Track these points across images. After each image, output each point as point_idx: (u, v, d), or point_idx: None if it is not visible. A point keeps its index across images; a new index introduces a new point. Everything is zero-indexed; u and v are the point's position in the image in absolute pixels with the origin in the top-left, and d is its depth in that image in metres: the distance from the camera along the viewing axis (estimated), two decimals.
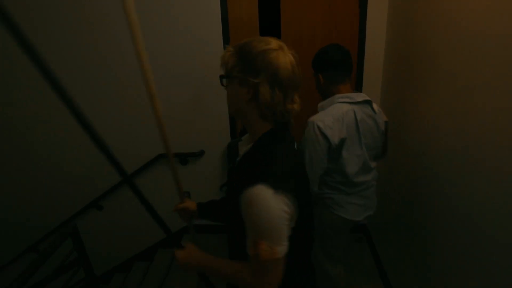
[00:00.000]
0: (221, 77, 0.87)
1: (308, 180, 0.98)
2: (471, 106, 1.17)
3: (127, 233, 2.62)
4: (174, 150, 1.01)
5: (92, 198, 2.48)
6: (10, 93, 2.29)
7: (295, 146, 0.94)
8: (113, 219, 2.58)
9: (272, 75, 0.79)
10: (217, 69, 0.92)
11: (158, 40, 2.12)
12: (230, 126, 2.32)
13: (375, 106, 1.48)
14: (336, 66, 1.42)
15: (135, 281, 2.47)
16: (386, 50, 2.15)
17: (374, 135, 1.49)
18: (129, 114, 2.29)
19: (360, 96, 1.42)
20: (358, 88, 2.26)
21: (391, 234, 2.07)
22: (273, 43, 0.82)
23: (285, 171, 0.79)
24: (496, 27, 1.01)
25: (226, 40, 2.12)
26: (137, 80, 2.19)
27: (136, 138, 2.33)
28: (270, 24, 2.15)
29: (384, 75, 2.20)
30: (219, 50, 2.12)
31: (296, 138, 0.99)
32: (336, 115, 1.35)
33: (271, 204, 0.73)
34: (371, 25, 2.11)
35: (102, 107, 2.28)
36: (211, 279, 1.11)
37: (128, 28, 0.78)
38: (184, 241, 0.96)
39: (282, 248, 0.76)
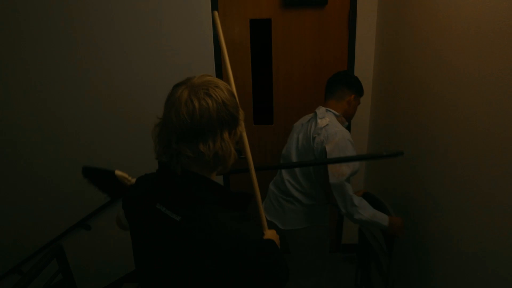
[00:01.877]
0: None
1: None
2: (458, 136, 1.21)
3: (116, 253, 2.56)
4: None
5: (80, 217, 2.43)
6: None
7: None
8: (101, 240, 2.53)
9: (164, 111, 0.77)
10: None
11: (150, 63, 2.15)
12: None
13: (321, 121, 1.52)
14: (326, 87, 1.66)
15: None
16: (374, 76, 2.22)
17: (300, 147, 1.59)
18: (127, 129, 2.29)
19: (319, 108, 1.60)
20: None
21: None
22: (188, 82, 0.74)
23: (126, 197, 0.91)
24: (483, 65, 1.08)
25: (218, 62, 2.16)
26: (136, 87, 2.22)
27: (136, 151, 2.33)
28: (261, 46, 2.21)
29: (373, 102, 2.27)
30: (211, 73, 2.16)
31: None
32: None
33: None
34: (360, 51, 2.19)
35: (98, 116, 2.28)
36: None
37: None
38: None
39: None
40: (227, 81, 0.95)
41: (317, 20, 2.15)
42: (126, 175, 1.06)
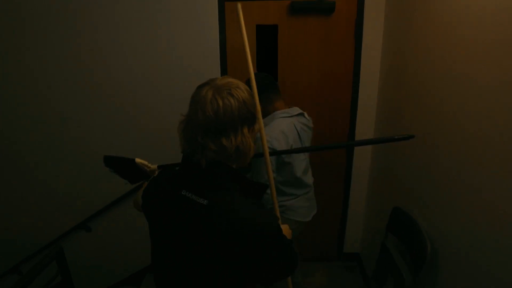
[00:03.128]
0: None
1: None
2: (460, 140, 1.20)
3: (115, 256, 2.55)
4: None
5: (81, 218, 2.43)
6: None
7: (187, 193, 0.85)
8: (102, 242, 2.52)
9: (189, 109, 0.85)
10: None
11: (155, 67, 2.15)
12: None
13: (306, 115, 1.73)
14: (267, 88, 1.61)
15: None
16: (380, 84, 2.22)
17: (310, 140, 1.78)
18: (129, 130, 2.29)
19: (295, 110, 1.67)
20: (352, 117, 2.31)
21: None
22: (212, 83, 0.82)
23: (146, 189, 0.96)
24: (478, 72, 1.08)
25: (223, 68, 2.16)
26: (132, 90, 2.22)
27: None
28: (267, 52, 2.20)
29: (378, 111, 2.26)
30: (217, 75, 2.15)
31: None
32: (279, 128, 1.56)
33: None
34: (366, 60, 2.19)
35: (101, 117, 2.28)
36: None
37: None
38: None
39: None
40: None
41: (323, 27, 2.15)
42: (146, 162, 1.15)
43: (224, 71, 2.17)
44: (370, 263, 2.38)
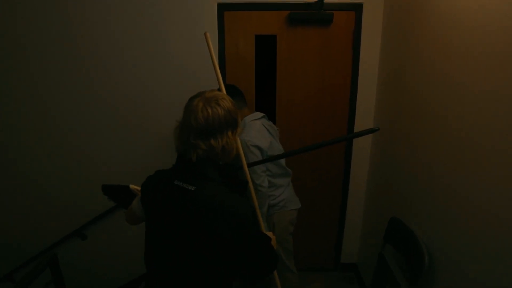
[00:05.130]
0: None
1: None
2: (455, 150, 1.21)
3: (110, 264, 2.52)
4: None
5: (77, 226, 2.40)
6: None
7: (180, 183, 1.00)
8: (97, 249, 2.49)
9: (183, 116, 1.01)
10: None
11: (155, 75, 2.16)
12: None
13: (267, 119, 2.01)
14: (234, 97, 1.76)
15: None
16: (377, 95, 2.23)
17: (278, 136, 2.03)
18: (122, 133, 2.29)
19: (259, 114, 1.93)
20: (350, 126, 2.33)
21: None
22: (202, 95, 0.98)
23: (144, 184, 1.09)
24: (475, 80, 1.09)
25: (222, 75, 2.17)
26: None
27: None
28: (266, 62, 2.22)
29: (375, 122, 2.27)
30: (215, 85, 2.16)
31: None
32: (255, 129, 1.82)
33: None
34: (363, 70, 2.21)
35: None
36: None
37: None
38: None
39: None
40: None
41: (322, 38, 2.17)
42: (139, 188, 1.23)
43: (223, 78, 2.18)
44: (367, 273, 2.36)
